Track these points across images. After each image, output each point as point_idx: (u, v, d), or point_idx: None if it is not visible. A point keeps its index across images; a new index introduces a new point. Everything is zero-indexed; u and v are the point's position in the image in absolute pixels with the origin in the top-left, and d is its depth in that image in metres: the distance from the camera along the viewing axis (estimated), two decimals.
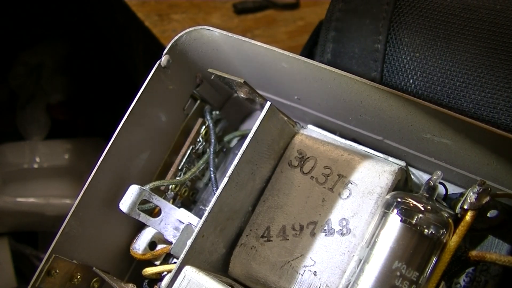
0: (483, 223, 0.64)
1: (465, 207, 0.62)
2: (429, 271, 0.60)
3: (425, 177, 0.73)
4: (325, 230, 0.66)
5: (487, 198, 0.61)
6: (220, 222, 0.66)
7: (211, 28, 0.73)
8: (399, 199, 0.62)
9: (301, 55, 0.77)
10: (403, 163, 0.67)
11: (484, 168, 0.66)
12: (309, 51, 0.94)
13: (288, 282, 0.65)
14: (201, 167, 0.79)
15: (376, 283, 0.59)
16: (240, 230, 0.70)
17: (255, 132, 0.64)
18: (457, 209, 0.64)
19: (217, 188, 0.69)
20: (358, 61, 0.82)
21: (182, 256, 0.63)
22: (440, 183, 0.68)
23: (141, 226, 0.78)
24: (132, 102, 0.73)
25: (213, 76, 0.71)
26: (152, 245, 0.77)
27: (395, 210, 0.61)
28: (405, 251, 0.59)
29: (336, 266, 0.64)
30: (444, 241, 0.60)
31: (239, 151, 0.72)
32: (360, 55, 0.82)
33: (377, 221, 0.63)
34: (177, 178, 0.78)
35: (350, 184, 0.66)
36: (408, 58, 0.79)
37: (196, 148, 0.79)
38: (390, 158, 0.68)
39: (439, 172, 0.63)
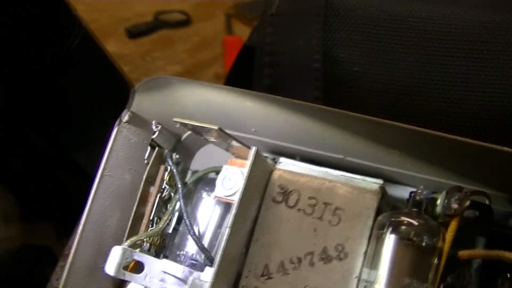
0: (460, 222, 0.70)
1: (450, 213, 0.67)
2: (432, 278, 0.65)
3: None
4: (323, 258, 0.69)
5: (468, 202, 0.67)
6: (226, 272, 0.66)
7: (168, 76, 0.73)
8: (392, 219, 0.66)
9: (229, 81, 0.79)
10: (380, 181, 0.71)
11: (445, 170, 0.72)
12: (236, 77, 0.96)
13: None
14: (171, 214, 0.78)
15: None
16: (238, 274, 0.71)
17: (247, 180, 0.66)
18: (439, 215, 0.68)
19: (194, 233, 0.74)
20: (299, 82, 0.85)
21: None
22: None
23: (120, 284, 0.77)
24: (98, 168, 0.71)
25: (178, 124, 0.71)
26: None
27: (391, 230, 0.65)
28: (411, 266, 0.64)
29: None
30: (440, 247, 0.65)
31: (204, 190, 0.73)
32: (300, 76, 0.85)
33: (373, 242, 0.67)
34: (151, 228, 0.78)
35: (337, 210, 0.69)
36: (348, 73, 0.83)
37: (163, 195, 0.79)
38: (368, 178, 0.71)
39: (421, 187, 0.68)
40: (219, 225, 0.79)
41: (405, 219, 0.66)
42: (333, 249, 0.69)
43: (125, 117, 0.73)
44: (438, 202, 0.69)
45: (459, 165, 0.72)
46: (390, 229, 0.65)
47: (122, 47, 1.32)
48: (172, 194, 0.80)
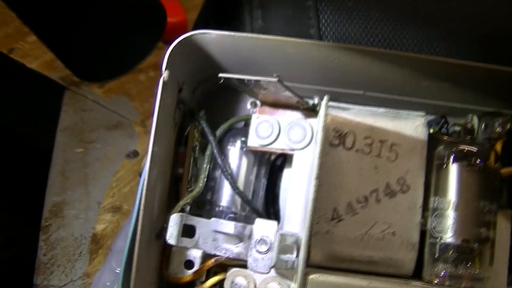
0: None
1: (494, 137, 0.72)
2: (497, 197, 0.70)
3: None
4: (388, 193, 0.71)
5: (509, 125, 0.73)
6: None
7: (206, 31, 0.70)
8: (453, 149, 0.70)
9: (197, 24, 0.78)
10: (423, 113, 0.74)
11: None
12: (207, 22, 0.92)
13: (372, 250, 0.71)
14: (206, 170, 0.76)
15: (472, 223, 0.68)
16: None
17: (323, 125, 0.66)
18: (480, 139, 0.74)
19: (237, 187, 0.74)
20: (293, 22, 0.85)
21: (300, 268, 0.64)
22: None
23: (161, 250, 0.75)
24: (150, 140, 0.67)
25: (222, 80, 0.69)
26: (187, 264, 0.74)
27: (453, 159, 0.70)
28: (480, 190, 0.69)
29: (409, 221, 0.71)
30: (496, 168, 0.71)
31: (230, 142, 0.72)
32: (293, 15, 0.84)
33: (434, 172, 0.71)
34: (190, 189, 0.75)
35: (393, 146, 0.72)
36: (341, 9, 0.84)
37: (195, 154, 0.76)
38: (411, 112, 0.75)
39: (470, 115, 0.72)
40: (250, 175, 0.79)
41: (465, 147, 0.70)
42: (396, 183, 0.71)
43: (166, 77, 0.68)
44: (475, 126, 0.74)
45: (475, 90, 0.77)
46: (452, 159, 0.69)
47: None
48: (198, 152, 0.78)
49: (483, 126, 0.73)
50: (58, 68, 1.13)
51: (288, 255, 0.67)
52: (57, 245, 0.98)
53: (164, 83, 0.68)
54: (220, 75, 0.68)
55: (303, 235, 0.64)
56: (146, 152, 0.67)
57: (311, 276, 0.64)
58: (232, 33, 0.70)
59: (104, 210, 1.02)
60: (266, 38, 0.71)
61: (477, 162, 0.69)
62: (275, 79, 0.66)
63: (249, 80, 0.67)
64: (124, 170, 1.06)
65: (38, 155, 1.11)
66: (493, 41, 0.85)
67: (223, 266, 0.74)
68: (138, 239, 0.65)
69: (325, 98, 0.66)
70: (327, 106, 0.66)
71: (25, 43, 1.16)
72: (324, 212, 0.70)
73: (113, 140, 1.09)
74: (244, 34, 0.70)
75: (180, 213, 0.70)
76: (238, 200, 0.77)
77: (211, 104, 0.84)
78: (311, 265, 0.71)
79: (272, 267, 0.66)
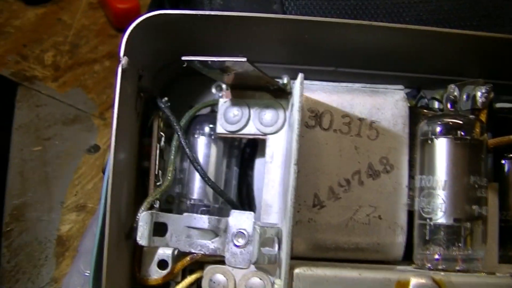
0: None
1: (477, 107, 0.68)
2: (484, 171, 0.66)
3: None
4: (370, 174, 0.67)
5: (492, 94, 0.69)
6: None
7: (166, 12, 0.65)
8: (438, 122, 0.65)
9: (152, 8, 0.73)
10: (401, 87, 0.70)
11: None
12: (160, 3, 0.87)
13: (358, 236, 0.66)
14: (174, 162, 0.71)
15: (463, 201, 0.64)
16: None
17: (299, 105, 0.61)
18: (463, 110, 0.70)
19: (209, 178, 0.69)
20: None
21: (284, 263, 0.59)
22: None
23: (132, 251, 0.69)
24: (112, 133, 0.62)
25: (185, 64, 0.63)
26: (161, 264, 0.69)
27: (438, 133, 0.65)
28: (469, 164, 0.65)
29: (395, 202, 0.67)
30: (483, 140, 0.67)
31: (196, 130, 0.68)
32: None
33: (418, 149, 0.67)
34: (159, 184, 0.70)
35: (373, 123, 0.68)
36: None
37: (161, 145, 0.71)
38: (389, 86, 0.70)
39: (452, 86, 0.68)
40: (220, 164, 0.74)
41: (450, 120, 0.65)
42: (378, 163, 0.67)
43: (125, 64, 0.63)
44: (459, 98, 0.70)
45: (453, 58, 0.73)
46: (437, 133, 0.65)
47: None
48: (164, 143, 0.72)
49: (464, 96, 0.68)
50: (8, 64, 1.07)
51: (267, 248, 0.62)
52: (20, 251, 0.93)
53: (123, 70, 0.62)
54: (184, 58, 0.62)
55: (284, 226, 0.59)
56: (109, 147, 0.62)
57: (297, 270, 0.60)
58: (194, 12, 0.65)
59: (67, 210, 0.97)
60: (230, 15, 0.66)
61: (463, 134, 0.64)
62: (243, 59, 0.60)
63: (213, 62, 0.62)
64: (85, 166, 1.01)
65: None
66: (464, 7, 0.82)
67: (199, 263, 0.70)
68: (107, 242, 0.60)
69: (300, 76, 0.61)
70: (303, 84, 0.61)
71: None
72: (304, 199, 0.66)
73: (71, 135, 1.03)
74: (207, 12, 0.65)
75: (150, 211, 0.64)
76: (210, 191, 0.72)
77: (173, 91, 0.79)
78: (294, 257, 0.66)
79: (254, 263, 0.61)
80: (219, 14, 0.66)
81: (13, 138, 1.02)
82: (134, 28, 0.64)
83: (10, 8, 1.17)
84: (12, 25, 1.14)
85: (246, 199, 0.76)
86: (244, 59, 0.60)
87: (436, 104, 0.73)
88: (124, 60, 0.62)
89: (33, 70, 1.09)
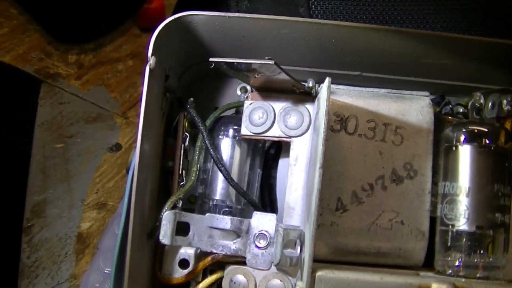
0: None
1: (503, 115, 0.68)
2: (508, 180, 0.66)
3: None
4: (394, 179, 0.67)
5: None
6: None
7: (195, 12, 0.65)
8: (463, 130, 0.66)
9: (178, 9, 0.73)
10: (427, 93, 0.70)
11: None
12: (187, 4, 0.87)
13: (380, 241, 0.66)
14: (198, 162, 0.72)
15: (486, 209, 0.63)
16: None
17: (326, 109, 0.61)
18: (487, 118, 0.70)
19: (232, 179, 0.69)
20: (280, 1, 0.80)
21: (307, 265, 0.59)
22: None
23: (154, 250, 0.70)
24: (138, 132, 0.62)
25: (213, 65, 0.64)
26: (182, 263, 0.70)
27: (463, 141, 0.65)
28: (493, 172, 0.65)
29: (418, 208, 0.67)
30: (508, 148, 0.67)
31: (220, 131, 0.68)
32: None
33: (442, 156, 0.67)
34: (182, 184, 0.70)
35: (398, 129, 0.68)
36: None
37: (185, 145, 0.71)
38: (414, 92, 0.70)
39: (478, 93, 0.68)
40: (244, 166, 0.74)
41: (475, 127, 0.65)
42: (402, 169, 0.67)
43: (153, 64, 0.63)
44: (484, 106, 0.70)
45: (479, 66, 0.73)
46: (462, 140, 0.65)
47: None
48: (188, 144, 0.73)
49: (489, 104, 0.68)
50: (32, 61, 1.08)
51: (289, 250, 0.62)
52: (41, 247, 0.93)
53: (150, 70, 0.63)
54: (211, 59, 0.63)
55: (308, 229, 0.60)
56: (134, 147, 0.62)
57: (319, 273, 0.60)
58: (223, 14, 0.65)
59: (88, 207, 0.97)
60: (259, 17, 0.67)
61: (488, 142, 0.64)
62: (271, 62, 0.61)
63: (240, 65, 0.62)
64: (107, 164, 1.01)
65: (17, 152, 1.06)
66: (492, 15, 0.81)
67: (220, 264, 0.70)
68: (130, 241, 0.61)
69: (327, 80, 0.62)
70: (330, 88, 0.61)
71: None
72: (327, 202, 0.66)
73: (93, 133, 1.04)
74: (236, 14, 0.66)
75: (173, 210, 0.65)
76: (233, 192, 0.72)
77: (199, 91, 0.80)
78: (315, 260, 0.66)
79: (276, 264, 0.61)
80: (246, 16, 0.67)
81: (36, 135, 1.02)
82: (163, 28, 0.64)
83: None
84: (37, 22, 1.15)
85: (268, 201, 0.76)
86: (272, 62, 0.61)
87: (461, 111, 0.73)
88: (152, 60, 0.63)
89: (57, 67, 1.10)
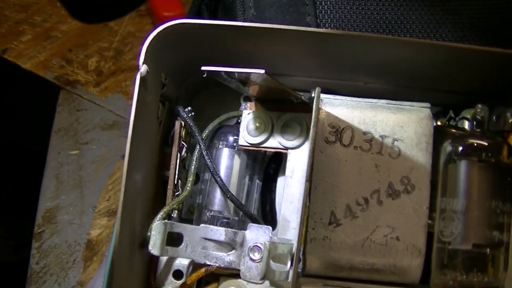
0: None
1: (507, 128, 0.65)
2: (510, 196, 0.63)
3: None
4: (390, 194, 0.65)
5: None
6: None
7: (187, 21, 0.64)
8: (462, 143, 0.63)
9: (189, 14, 0.72)
10: (428, 104, 0.68)
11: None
12: (198, 9, 0.87)
13: (374, 257, 0.64)
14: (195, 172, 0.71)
15: (483, 226, 0.61)
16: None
17: (315, 121, 0.60)
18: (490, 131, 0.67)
19: (228, 190, 0.69)
20: (287, 10, 0.79)
21: (290, 279, 0.58)
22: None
23: (148, 260, 0.69)
24: (127, 143, 0.62)
25: (205, 74, 0.63)
26: (176, 274, 0.69)
27: (463, 155, 0.63)
28: (493, 188, 0.62)
29: (414, 224, 0.65)
30: (508, 163, 0.64)
31: (220, 140, 0.67)
32: (287, 2, 0.78)
33: (442, 170, 0.64)
34: (178, 194, 0.70)
35: (395, 141, 0.66)
36: None
37: (182, 154, 0.71)
38: (415, 103, 0.68)
39: (480, 105, 0.66)
40: (243, 176, 0.73)
41: (475, 141, 0.63)
42: (399, 183, 0.65)
43: (144, 72, 0.62)
44: (485, 118, 0.67)
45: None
46: (462, 154, 0.63)
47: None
48: (187, 152, 0.72)
49: (494, 117, 0.66)
50: (53, 68, 1.09)
51: (278, 264, 0.61)
52: (50, 253, 0.94)
53: (142, 78, 0.62)
54: (203, 68, 0.62)
55: (295, 244, 0.58)
56: (122, 155, 0.62)
57: None
58: (214, 22, 0.64)
59: (99, 214, 0.97)
60: (254, 26, 0.65)
61: (488, 157, 0.62)
62: (261, 71, 0.60)
63: (231, 73, 0.61)
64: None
65: (32, 158, 1.07)
66: (503, 26, 0.79)
67: (215, 275, 0.69)
68: (115, 249, 0.60)
69: (316, 90, 0.60)
70: (319, 99, 0.60)
71: (19, 43, 1.13)
72: (320, 216, 0.64)
73: (108, 140, 1.04)
74: (227, 23, 0.65)
75: (164, 221, 0.64)
76: (231, 203, 0.71)
77: (204, 100, 0.79)
78: (307, 275, 0.65)
79: (261, 278, 0.60)
80: (238, 25, 0.66)
81: (52, 141, 1.03)
82: (155, 36, 0.63)
83: (59, 13, 1.19)
84: (59, 30, 1.16)
85: (269, 215, 0.75)
86: (262, 71, 0.59)
87: (466, 124, 0.70)
88: (143, 68, 0.62)
89: (76, 74, 1.11)
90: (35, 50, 1.14)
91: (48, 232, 0.95)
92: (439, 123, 0.73)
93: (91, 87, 1.10)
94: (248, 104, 0.72)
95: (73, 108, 1.08)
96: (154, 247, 0.63)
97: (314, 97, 0.65)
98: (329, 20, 0.79)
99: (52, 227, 0.96)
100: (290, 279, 0.58)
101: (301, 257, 0.66)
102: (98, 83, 1.11)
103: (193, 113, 0.72)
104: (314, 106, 0.60)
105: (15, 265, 1.01)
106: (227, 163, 0.72)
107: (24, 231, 1.00)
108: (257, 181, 0.74)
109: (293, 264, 0.58)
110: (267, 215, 0.75)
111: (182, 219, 0.71)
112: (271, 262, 0.61)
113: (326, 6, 0.79)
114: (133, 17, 1.21)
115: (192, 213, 0.74)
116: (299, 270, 0.67)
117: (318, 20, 0.79)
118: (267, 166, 0.76)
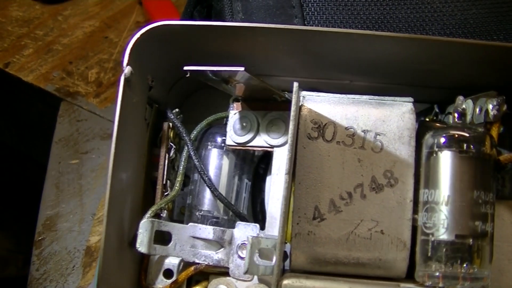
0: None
1: (489, 120, 0.65)
2: (492, 186, 0.63)
3: None
4: (374, 187, 0.65)
5: (505, 106, 0.66)
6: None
7: (170, 22, 0.65)
8: (444, 135, 0.63)
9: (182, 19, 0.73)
10: (410, 99, 0.68)
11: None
12: (190, 16, 0.88)
13: (359, 251, 0.65)
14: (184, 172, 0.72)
15: (465, 217, 0.61)
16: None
17: (293, 119, 0.60)
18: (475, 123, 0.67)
19: (216, 189, 0.70)
20: (275, 13, 0.80)
21: (274, 276, 0.58)
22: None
23: (140, 259, 0.70)
24: (111, 143, 0.62)
25: (188, 73, 0.64)
26: (166, 273, 0.70)
27: (444, 146, 0.63)
28: (475, 179, 0.62)
29: (399, 217, 0.65)
30: (491, 154, 0.64)
31: (209, 141, 0.68)
32: (275, 5, 0.79)
33: (424, 162, 0.64)
34: (167, 194, 0.70)
35: (378, 136, 0.66)
36: None
37: (170, 155, 0.71)
38: (397, 98, 0.68)
39: (461, 97, 0.66)
40: (232, 176, 0.74)
41: (456, 132, 0.63)
42: (382, 177, 0.65)
43: (128, 73, 0.64)
44: (469, 110, 0.68)
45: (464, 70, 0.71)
46: (443, 146, 0.63)
47: (28, 10, 1.20)
48: (177, 153, 0.73)
49: (477, 110, 0.66)
50: (54, 80, 1.11)
51: (263, 260, 0.61)
52: (50, 260, 0.95)
53: (126, 79, 0.63)
54: (186, 68, 0.63)
55: (277, 238, 0.59)
56: (107, 155, 0.63)
57: (286, 282, 0.59)
58: (195, 23, 0.66)
59: (98, 221, 0.98)
60: (236, 25, 0.66)
61: (469, 148, 0.62)
62: (241, 69, 0.61)
63: (213, 72, 0.62)
64: None
65: (33, 167, 1.08)
66: (490, 24, 0.79)
67: (205, 274, 0.70)
68: (103, 248, 0.61)
69: (295, 85, 0.61)
70: (298, 93, 0.60)
71: (21, 56, 1.15)
72: (304, 211, 0.65)
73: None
74: (209, 23, 0.66)
75: (151, 219, 0.65)
76: (220, 203, 0.72)
77: (194, 102, 0.81)
78: (293, 270, 0.65)
79: (244, 273, 0.61)
80: (222, 25, 0.67)
81: (52, 151, 1.05)
82: (138, 38, 0.65)
83: (60, 27, 1.21)
84: (60, 43, 1.18)
85: (260, 214, 0.76)
86: (242, 68, 0.60)
87: (451, 119, 0.71)
88: (127, 70, 0.63)
89: (76, 86, 1.12)
90: (36, 63, 1.15)
91: (48, 240, 0.96)
92: (427, 119, 0.73)
93: (91, 98, 1.11)
94: (234, 105, 0.73)
95: (74, 119, 1.09)
96: (141, 244, 0.64)
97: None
98: (316, 21, 0.80)
99: (52, 235, 0.97)
100: (274, 273, 0.58)
101: (288, 253, 0.67)
102: (98, 94, 1.12)
103: (181, 115, 0.73)
104: (292, 100, 0.61)
105: (24, 279, 1.02)
106: (216, 163, 0.73)
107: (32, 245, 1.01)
108: (246, 180, 0.75)
109: (276, 258, 0.58)
110: (258, 215, 0.76)
111: (174, 221, 0.72)
112: (257, 257, 0.61)
113: (313, 8, 0.79)
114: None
115: (184, 214, 0.75)
116: (287, 268, 0.67)
117: (306, 22, 0.80)
118: (256, 166, 0.77)
